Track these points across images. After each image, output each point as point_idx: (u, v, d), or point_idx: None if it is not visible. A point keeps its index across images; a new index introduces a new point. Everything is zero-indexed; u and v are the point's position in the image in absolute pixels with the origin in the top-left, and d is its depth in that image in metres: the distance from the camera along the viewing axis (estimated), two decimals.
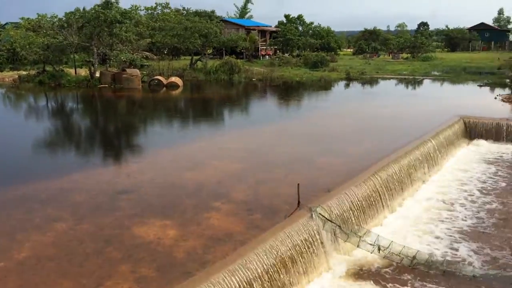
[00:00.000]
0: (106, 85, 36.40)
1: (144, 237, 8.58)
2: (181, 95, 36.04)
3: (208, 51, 57.52)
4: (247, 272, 7.29)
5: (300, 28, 73.27)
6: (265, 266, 7.63)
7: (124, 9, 40.00)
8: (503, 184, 14.77)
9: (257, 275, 7.42)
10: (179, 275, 7.20)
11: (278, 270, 7.87)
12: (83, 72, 41.38)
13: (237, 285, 6.97)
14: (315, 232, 9.13)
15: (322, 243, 9.22)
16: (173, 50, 54.73)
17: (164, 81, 38.29)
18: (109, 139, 20.07)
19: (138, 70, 38.84)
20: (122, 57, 38.15)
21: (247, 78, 45.73)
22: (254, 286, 7.30)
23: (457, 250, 10.21)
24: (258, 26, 71.75)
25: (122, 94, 33.90)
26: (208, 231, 8.83)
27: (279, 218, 9.37)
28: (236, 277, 7.06)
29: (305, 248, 8.67)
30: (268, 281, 7.60)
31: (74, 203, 10.49)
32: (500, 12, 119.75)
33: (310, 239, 8.91)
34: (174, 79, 38.94)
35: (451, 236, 10.93)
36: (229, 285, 6.88)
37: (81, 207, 10.21)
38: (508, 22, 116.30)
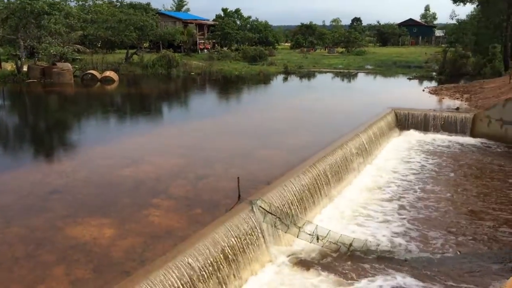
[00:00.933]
0: (35, 80, 34.44)
1: (79, 238, 8.22)
2: (116, 90, 34.85)
3: (145, 44, 56.14)
4: (187, 268, 7.20)
5: (238, 22, 73.34)
6: (206, 261, 7.58)
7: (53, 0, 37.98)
8: (432, 170, 15.66)
9: (198, 270, 7.36)
10: (117, 275, 6.98)
11: (220, 264, 7.85)
12: (9, 66, 38.85)
13: (178, 281, 6.87)
14: (255, 224, 9.20)
15: (263, 235, 9.31)
16: (107, 43, 52.77)
17: (98, 76, 36.87)
18: (39, 137, 19.00)
19: (69, 64, 37.09)
20: (52, 50, 36.17)
21: (186, 72, 45.13)
22: (195, 282, 7.24)
23: (391, 235, 10.69)
24: (195, 20, 70.96)
25: (52, 89, 32.21)
26: (147, 229, 8.63)
27: (219, 212, 9.34)
28: (176, 273, 6.95)
29: (246, 241, 8.72)
30: (209, 276, 7.56)
31: (2, 205, 9.84)
32: (427, 8, 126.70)
33: (251, 232, 8.98)
34: (109, 73, 37.59)
35: (386, 221, 11.43)
36: (169, 282, 6.77)
37: (9, 210, 9.59)
38: (434, 18, 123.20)
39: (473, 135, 20.43)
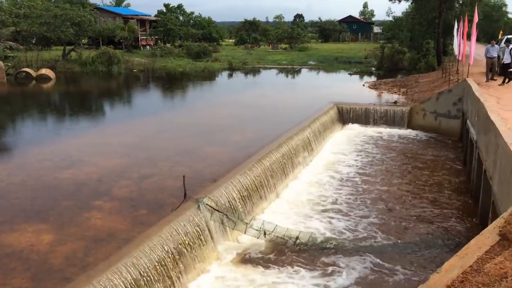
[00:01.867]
0: None
1: (14, 245, 7.78)
2: (54, 88, 33.34)
3: (83, 41, 53.99)
4: (133, 270, 7.02)
5: (181, 18, 72.16)
6: (152, 263, 7.42)
7: None
8: (373, 161, 16.23)
9: (144, 272, 7.19)
10: (57, 282, 6.69)
11: (166, 264, 7.71)
12: None
13: (122, 285, 6.67)
14: (202, 222, 9.12)
15: (210, 233, 9.26)
16: (42, 39, 50.14)
17: (34, 74, 35.14)
18: None
19: (1, 62, 34.99)
20: None
21: (128, 69, 43.97)
22: (142, 284, 7.07)
23: (334, 226, 10.98)
24: (136, 15, 69.06)
25: None
26: (89, 232, 8.32)
27: (165, 212, 9.17)
28: (121, 277, 6.75)
29: (193, 240, 8.63)
30: (156, 277, 7.41)
31: None
32: (365, 6, 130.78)
33: (198, 230, 8.89)
34: (45, 71, 35.92)
35: (330, 214, 11.71)
36: (113, 286, 6.56)
37: None
38: (372, 15, 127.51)
39: (410, 127, 21.39)
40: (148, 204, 9.73)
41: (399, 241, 10.26)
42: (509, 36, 24.36)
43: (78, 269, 7.02)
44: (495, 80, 18.67)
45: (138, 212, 9.34)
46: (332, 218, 11.45)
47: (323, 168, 15.57)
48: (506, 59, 18.05)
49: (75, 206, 9.57)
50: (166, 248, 7.87)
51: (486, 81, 18.84)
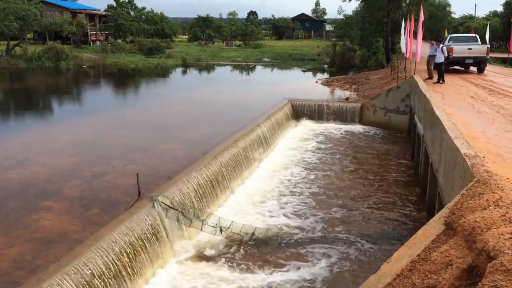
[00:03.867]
0: None
1: None
2: None
3: (28, 35, 51.65)
4: (85, 272, 6.82)
5: (132, 13, 70.43)
6: (105, 263, 7.24)
7: None
8: (326, 156, 16.57)
9: (97, 274, 7.00)
10: (4, 286, 6.39)
11: (121, 265, 7.55)
12: None
13: (75, 287, 6.46)
14: (157, 221, 8.99)
15: (165, 231, 9.14)
16: None
17: None
18: None
19: None
20: None
21: (77, 65, 42.52)
22: (96, 285, 6.88)
23: (289, 220, 11.13)
24: (85, 9, 66.79)
25: None
26: (37, 234, 8.00)
27: (119, 211, 8.96)
28: (73, 279, 6.54)
29: (148, 239, 8.49)
30: (110, 278, 7.24)
31: None
32: (317, 4, 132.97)
33: (153, 229, 8.75)
34: None
35: (285, 208, 11.86)
36: None
37: None
38: (324, 13, 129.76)
39: (361, 122, 22.00)
40: (101, 204, 9.48)
41: (351, 233, 10.54)
42: (453, 35, 25.53)
43: (26, 272, 6.74)
44: (431, 78, 18.81)
45: (90, 212, 9.09)
46: (287, 213, 11.59)
47: (279, 162, 15.73)
48: (439, 58, 18.34)
49: (22, 207, 9.18)
50: (119, 248, 7.70)
51: (429, 78, 19.12)
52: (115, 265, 7.43)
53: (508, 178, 5.98)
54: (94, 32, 63.47)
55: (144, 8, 74.52)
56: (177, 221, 9.55)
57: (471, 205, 5.41)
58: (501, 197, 5.31)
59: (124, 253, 7.74)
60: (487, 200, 5.35)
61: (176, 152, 13.61)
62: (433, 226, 5.61)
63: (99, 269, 7.07)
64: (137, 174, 9.60)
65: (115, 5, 69.16)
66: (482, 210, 5.15)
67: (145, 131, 16.70)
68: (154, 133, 16.26)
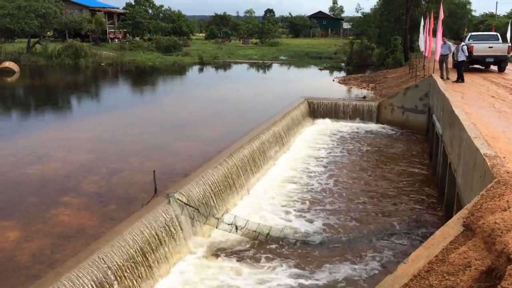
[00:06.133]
0: None
1: None
2: (18, 82, 32.30)
3: (48, 33, 52.49)
4: (102, 267, 6.90)
5: (150, 11, 70.96)
6: (122, 259, 7.32)
7: None
8: (342, 155, 16.48)
9: (114, 269, 7.09)
10: (24, 279, 6.52)
11: (137, 260, 7.62)
12: None
13: (91, 282, 6.56)
14: (173, 217, 9.05)
15: (181, 228, 9.19)
16: (5, 31, 48.40)
17: None
18: None
19: None
20: None
21: (95, 62, 43.03)
22: (112, 280, 6.97)
23: (306, 220, 11.10)
24: (104, 8, 67.59)
25: None
26: (56, 229, 8.13)
27: (135, 207, 9.05)
28: (90, 274, 6.64)
29: (164, 235, 8.55)
30: (127, 273, 7.32)
31: None
32: (334, 1, 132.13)
33: (169, 225, 8.82)
34: (8, 64, 34.77)
35: (301, 208, 11.82)
36: (83, 283, 6.44)
37: None
38: (341, 11, 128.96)
39: (378, 121, 21.80)
40: (118, 200, 9.58)
41: (369, 233, 10.45)
42: (473, 33, 25.11)
43: (45, 266, 6.86)
44: (449, 79, 18.39)
45: (107, 208, 9.19)
46: (304, 212, 11.56)
47: (295, 162, 15.68)
48: (460, 57, 18.16)
49: (41, 203, 9.33)
50: (136, 244, 7.78)
51: (441, 78, 18.78)
52: (131, 261, 7.50)
53: None
54: (113, 30, 64.16)
55: (161, 6, 74.99)
56: (193, 218, 9.60)
57: (491, 206, 5.32)
58: None
59: (140, 249, 7.81)
60: (507, 201, 5.26)
61: (192, 150, 13.67)
62: (452, 227, 5.53)
63: (115, 265, 7.15)
64: (154, 171, 9.69)
65: (133, 3, 69.75)
66: (502, 211, 5.06)
67: (162, 128, 16.82)
68: (171, 130, 16.37)
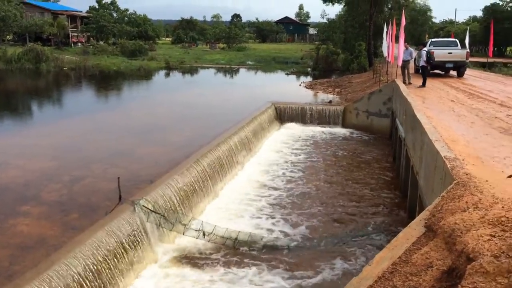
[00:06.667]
0: None
1: None
2: None
3: (8, 37, 50.78)
4: (64, 278, 6.67)
5: (115, 15, 69.87)
6: (85, 269, 7.10)
7: None
8: (309, 159, 16.61)
9: (76, 279, 6.86)
10: None
11: (101, 270, 7.41)
12: None
13: None
14: (139, 225, 8.87)
15: (147, 235, 9.02)
16: None
17: None
18: None
19: None
20: None
21: (57, 67, 41.92)
22: None
23: (273, 224, 11.10)
24: (66, 11, 65.97)
25: None
26: (15, 240, 7.81)
27: (99, 215, 8.80)
28: (51, 285, 6.40)
29: (129, 243, 8.36)
30: (90, 284, 7.10)
31: None
32: (301, 7, 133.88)
33: (134, 233, 8.63)
34: None
35: (269, 212, 11.82)
36: None
37: None
38: (308, 16, 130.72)
39: (344, 125, 22.14)
40: (80, 208, 9.31)
41: (334, 236, 10.55)
42: (433, 40, 25.92)
43: (3, 279, 6.57)
44: (411, 84, 18.94)
45: (69, 216, 8.91)
46: (269, 216, 11.56)
47: (262, 166, 15.70)
48: (421, 62, 18.87)
49: None
50: (99, 252, 7.56)
51: (403, 83, 19.28)
52: (95, 270, 7.29)
53: (487, 181, 6.05)
54: (76, 34, 62.71)
55: (126, 10, 74.02)
56: (159, 225, 9.44)
57: (451, 207, 5.45)
58: (480, 199, 5.37)
59: (104, 258, 7.60)
60: (466, 202, 5.40)
61: (159, 155, 13.47)
62: (414, 229, 5.63)
63: (78, 275, 6.93)
64: (118, 177, 9.47)
65: (97, 7, 68.51)
66: (461, 212, 5.19)
67: (127, 134, 16.50)
68: (136, 136, 16.09)
